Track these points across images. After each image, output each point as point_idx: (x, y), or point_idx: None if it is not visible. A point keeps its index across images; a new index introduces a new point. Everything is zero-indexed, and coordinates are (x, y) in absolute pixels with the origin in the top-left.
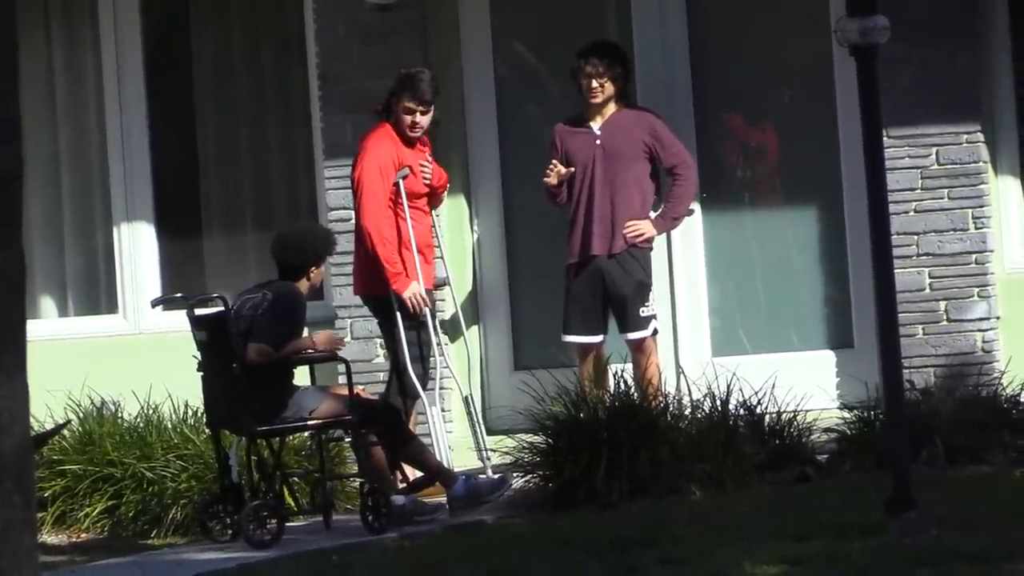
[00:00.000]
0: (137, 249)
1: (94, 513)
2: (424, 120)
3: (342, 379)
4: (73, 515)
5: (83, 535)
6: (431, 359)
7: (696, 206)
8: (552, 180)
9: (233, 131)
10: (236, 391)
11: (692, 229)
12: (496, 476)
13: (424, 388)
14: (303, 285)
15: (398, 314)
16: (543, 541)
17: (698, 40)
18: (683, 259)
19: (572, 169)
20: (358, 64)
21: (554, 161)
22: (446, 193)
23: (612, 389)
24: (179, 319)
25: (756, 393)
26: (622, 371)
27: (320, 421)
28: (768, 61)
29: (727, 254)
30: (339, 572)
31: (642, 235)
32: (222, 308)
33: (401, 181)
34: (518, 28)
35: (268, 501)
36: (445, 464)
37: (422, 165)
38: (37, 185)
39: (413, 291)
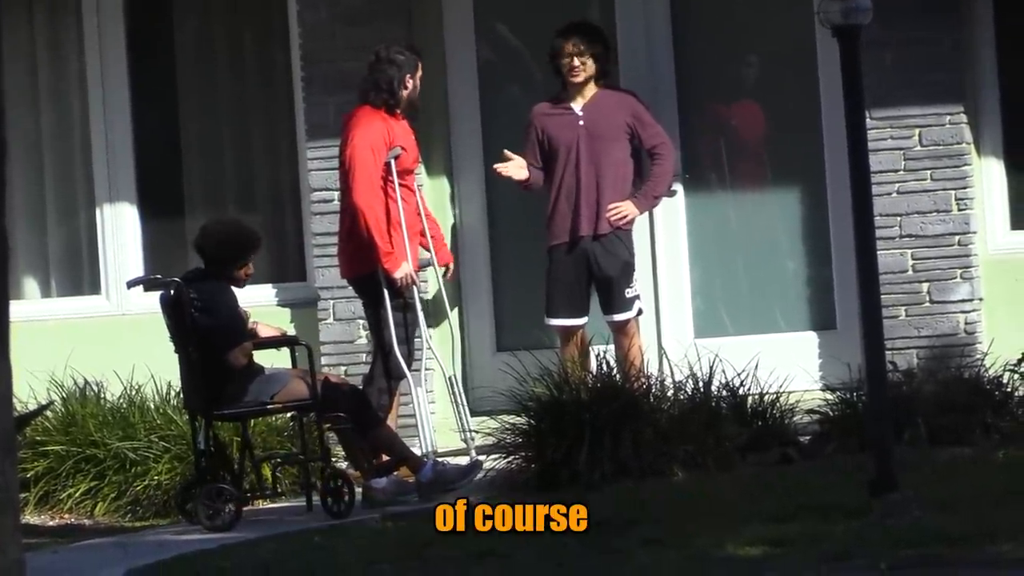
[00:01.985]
0: (119, 230)
1: (77, 494)
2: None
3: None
4: (56, 496)
5: (66, 516)
6: (416, 340)
7: (679, 187)
8: (508, 172)
9: (215, 112)
10: (193, 374)
11: (675, 210)
12: (467, 462)
13: (409, 368)
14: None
15: (386, 293)
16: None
17: (681, 21)
18: (665, 240)
19: (518, 157)
20: (341, 45)
21: (505, 151)
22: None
23: (594, 371)
24: None
25: (739, 374)
26: (604, 352)
27: (280, 405)
28: (751, 42)
29: (710, 235)
30: (322, 552)
31: (625, 217)
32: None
33: (393, 160)
34: (501, 12)
35: (223, 485)
36: (430, 445)
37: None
38: (20, 166)
39: (405, 271)
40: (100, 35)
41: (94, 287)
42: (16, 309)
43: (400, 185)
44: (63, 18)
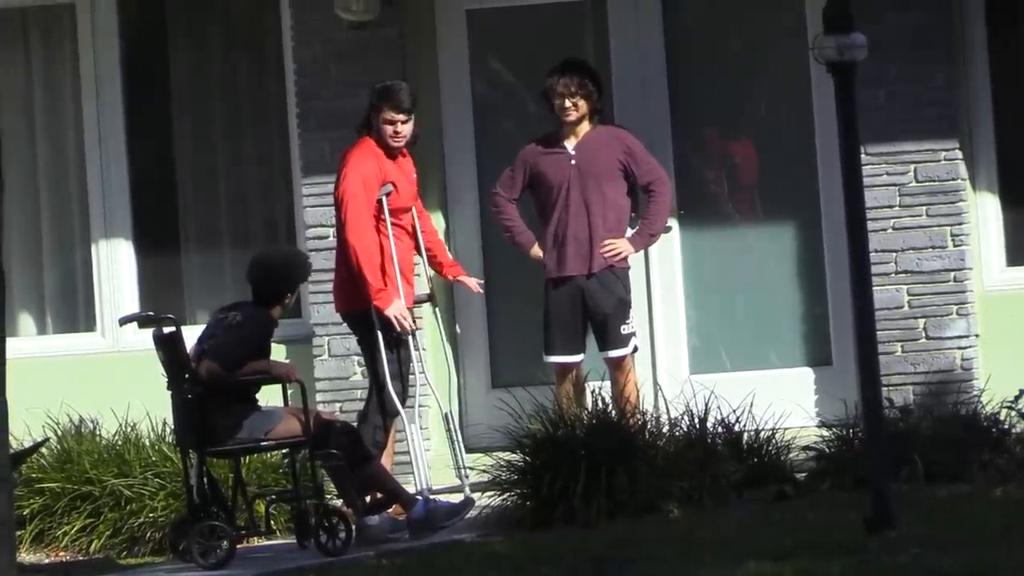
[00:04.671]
0: (115, 266)
1: (72, 531)
2: (406, 129)
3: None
4: (51, 533)
5: (61, 554)
6: (410, 376)
7: (674, 223)
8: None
9: (211, 147)
10: (187, 410)
11: (670, 246)
12: (458, 500)
13: (403, 405)
14: (276, 311)
15: (378, 331)
16: (521, 560)
17: (675, 56)
18: (661, 276)
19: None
20: (336, 81)
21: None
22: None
23: (590, 407)
24: None
25: (734, 411)
26: (599, 389)
27: (273, 442)
28: (746, 77)
29: (705, 271)
30: None
31: (619, 253)
32: (173, 329)
33: (384, 198)
34: (495, 46)
35: (216, 522)
36: (424, 482)
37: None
38: (15, 202)
39: (396, 308)
40: (96, 72)
41: (89, 324)
42: (12, 345)
43: (393, 224)
44: (59, 57)
